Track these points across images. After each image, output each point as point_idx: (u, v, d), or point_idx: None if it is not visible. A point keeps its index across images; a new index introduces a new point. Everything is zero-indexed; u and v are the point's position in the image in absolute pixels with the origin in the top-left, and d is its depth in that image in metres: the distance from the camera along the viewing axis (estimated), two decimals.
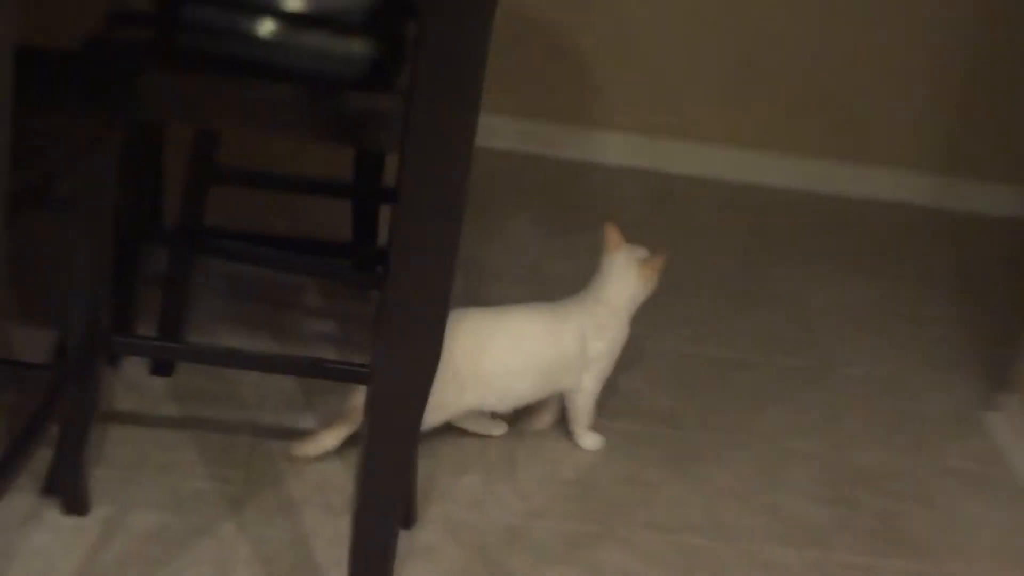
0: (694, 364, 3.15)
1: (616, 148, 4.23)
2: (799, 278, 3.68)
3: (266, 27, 2.46)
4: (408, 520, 2.45)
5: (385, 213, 3.13)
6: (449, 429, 2.73)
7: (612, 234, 2.73)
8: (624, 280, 2.72)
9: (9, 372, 2.51)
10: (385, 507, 2.01)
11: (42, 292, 2.88)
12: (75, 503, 2.35)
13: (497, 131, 4.17)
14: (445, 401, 2.55)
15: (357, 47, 2.44)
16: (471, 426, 2.71)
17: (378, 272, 2.99)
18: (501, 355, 2.63)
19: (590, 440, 2.79)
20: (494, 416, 2.72)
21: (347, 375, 2.41)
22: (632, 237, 2.70)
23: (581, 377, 2.72)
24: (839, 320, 3.49)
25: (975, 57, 4.20)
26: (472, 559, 2.41)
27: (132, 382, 2.73)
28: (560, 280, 3.22)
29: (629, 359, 3.08)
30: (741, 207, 4.06)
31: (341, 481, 2.54)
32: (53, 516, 2.33)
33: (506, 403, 2.67)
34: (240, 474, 2.52)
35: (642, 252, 2.74)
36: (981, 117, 4.27)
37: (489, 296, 3.27)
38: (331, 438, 2.56)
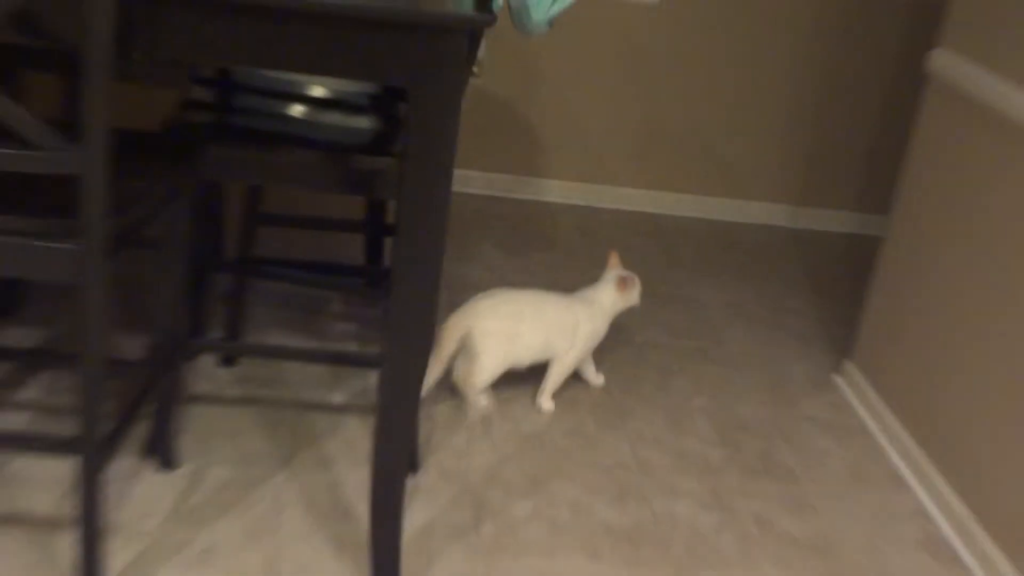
0: (619, 347, 3.16)
1: (557, 191, 4.24)
2: (694, 282, 3.70)
3: (296, 109, 2.47)
4: (413, 467, 2.46)
5: (388, 243, 3.14)
6: (440, 400, 2.74)
7: (613, 259, 2.84)
8: (610, 291, 2.77)
9: (116, 368, 2.50)
10: (395, 458, 2.02)
11: (138, 308, 2.88)
12: (167, 462, 2.36)
13: (469, 180, 4.17)
14: (497, 363, 2.66)
15: (364, 123, 2.45)
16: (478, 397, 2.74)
17: (383, 287, 2.99)
18: (531, 324, 2.70)
19: (548, 404, 2.80)
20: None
21: (365, 362, 2.42)
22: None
23: (567, 351, 2.75)
24: (725, 312, 3.51)
25: (819, 117, 4.22)
26: (460, 495, 2.42)
27: (205, 372, 2.73)
28: (518, 286, 3.22)
29: None
30: (650, 232, 4.07)
31: (362, 440, 2.55)
32: (151, 472, 2.34)
33: (525, 363, 2.73)
34: (288, 438, 2.53)
35: (627, 273, 2.81)
36: (824, 161, 4.30)
37: (466, 303, 3.27)
38: (476, 398, 2.68)
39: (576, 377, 2.94)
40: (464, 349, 2.66)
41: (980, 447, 2.47)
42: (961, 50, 2.69)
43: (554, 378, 2.79)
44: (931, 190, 2.78)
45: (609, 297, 2.81)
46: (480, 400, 2.72)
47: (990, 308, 2.48)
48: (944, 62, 2.74)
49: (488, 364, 2.67)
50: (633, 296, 2.84)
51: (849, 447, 2.83)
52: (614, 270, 2.85)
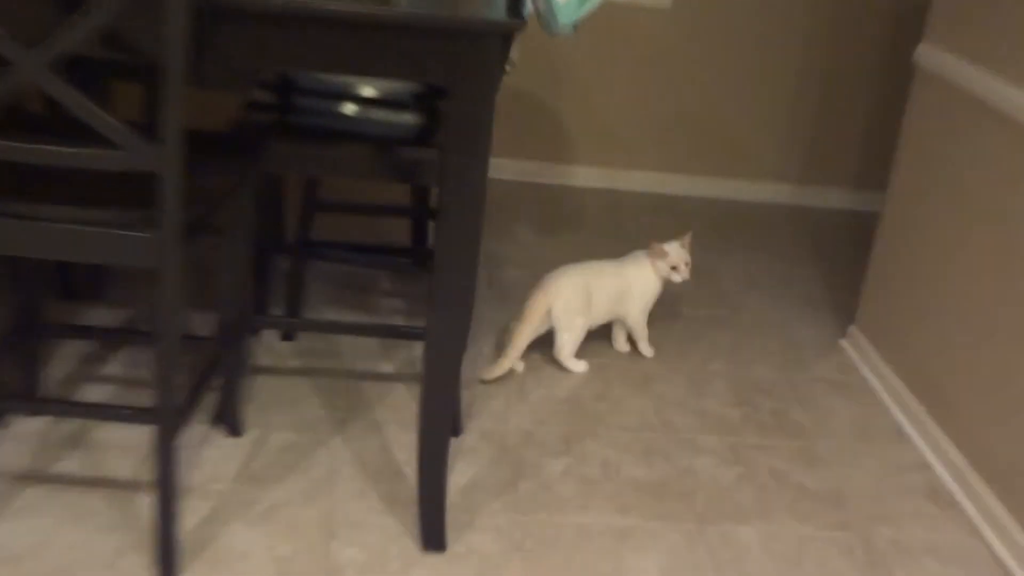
0: None
1: (582, 176, 4.22)
2: (710, 257, 3.68)
3: (349, 108, 2.46)
4: (456, 430, 2.46)
5: (431, 226, 3.14)
6: (481, 368, 2.74)
7: (683, 238, 2.88)
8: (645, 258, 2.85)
9: (188, 344, 2.52)
10: (440, 422, 2.02)
11: (208, 289, 2.89)
12: (234, 428, 2.37)
13: (502, 167, 4.17)
14: (578, 333, 2.77)
15: (408, 118, 2.44)
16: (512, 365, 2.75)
17: (428, 266, 2.99)
18: (603, 290, 2.77)
19: (648, 351, 2.93)
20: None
21: (411, 335, 2.42)
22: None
23: (630, 309, 2.81)
24: (739, 283, 3.49)
25: (819, 104, 4.19)
26: (500, 454, 2.42)
27: (268, 346, 2.75)
28: (550, 262, 3.21)
29: None
30: (669, 212, 4.06)
31: (409, 407, 2.55)
32: (219, 438, 2.35)
33: (599, 323, 2.83)
34: (343, 404, 2.53)
35: (671, 246, 2.85)
36: (825, 144, 4.26)
37: (504, 278, 3.28)
38: (511, 360, 2.70)
39: (606, 344, 2.93)
40: (548, 323, 2.75)
41: (974, 401, 2.45)
42: (944, 44, 2.67)
43: (636, 330, 2.89)
44: (921, 169, 2.76)
45: (657, 261, 2.82)
46: (577, 366, 2.81)
47: (977, 273, 2.46)
48: (929, 54, 2.72)
49: (571, 336, 2.76)
50: (679, 267, 2.82)
51: (856, 405, 2.81)
52: (668, 244, 2.84)
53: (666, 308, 3.21)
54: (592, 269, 2.79)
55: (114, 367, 2.55)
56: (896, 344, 2.84)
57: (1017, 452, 2.28)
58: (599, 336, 2.96)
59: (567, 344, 2.77)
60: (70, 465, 2.20)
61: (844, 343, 3.13)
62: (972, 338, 2.48)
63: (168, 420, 1.84)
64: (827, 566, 2.19)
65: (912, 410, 2.70)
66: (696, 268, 3.54)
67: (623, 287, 2.81)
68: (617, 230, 3.77)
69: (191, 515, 2.10)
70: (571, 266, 2.78)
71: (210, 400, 2.43)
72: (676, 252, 2.82)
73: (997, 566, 2.25)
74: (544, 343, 2.78)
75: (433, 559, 2.07)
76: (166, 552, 1.92)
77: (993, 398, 2.38)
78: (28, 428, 2.30)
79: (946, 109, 2.67)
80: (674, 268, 2.81)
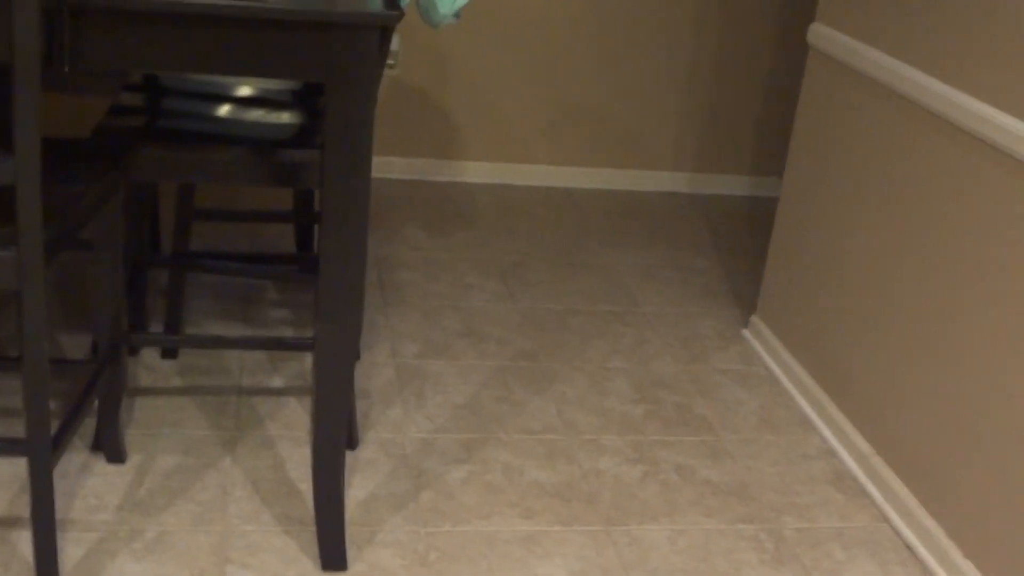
0: (541, 315, 3.15)
1: (473, 172, 4.21)
2: (607, 251, 3.70)
3: (223, 109, 2.41)
4: (352, 443, 2.43)
5: (317, 231, 3.10)
6: (375, 376, 2.71)
7: None
8: None
9: (60, 367, 2.45)
10: (334, 436, 1.99)
11: (78, 308, 2.81)
12: (115, 454, 2.30)
13: (390, 166, 4.13)
14: None
15: (287, 118, 2.41)
16: None
17: (315, 272, 2.95)
18: None
19: None
20: None
21: (300, 346, 2.39)
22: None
23: None
24: (637, 277, 3.51)
25: (711, 89, 4.24)
26: (399, 466, 2.40)
27: (148, 365, 2.68)
28: (442, 264, 3.21)
29: (495, 314, 3.08)
30: (562, 206, 4.07)
31: (302, 421, 2.52)
32: (100, 465, 2.28)
33: None
34: (231, 423, 2.48)
35: None
36: (718, 130, 4.32)
37: (395, 281, 3.25)
38: None
39: (502, 345, 2.92)
40: None
41: (876, 387, 2.50)
42: (836, 23, 2.73)
43: None
44: (817, 152, 2.81)
45: None
46: None
47: (876, 255, 2.51)
48: (821, 34, 2.77)
49: None
50: None
51: (759, 396, 2.85)
52: None
53: (565, 304, 3.22)
54: None
55: None
56: (798, 332, 2.89)
57: (920, 436, 2.33)
58: (496, 338, 2.95)
59: None
60: None
61: (746, 333, 3.17)
62: (873, 323, 2.53)
63: (41, 450, 1.78)
64: (736, 560, 2.21)
65: (816, 398, 2.75)
66: (594, 263, 3.56)
67: None
68: (511, 227, 3.77)
69: (74, 549, 2.03)
70: None
71: (88, 425, 2.36)
72: None
73: (905, 550, 2.30)
74: (441, 345, 2.76)
75: None
76: None
77: (895, 383, 2.43)
78: None
79: (840, 89, 2.72)
80: None
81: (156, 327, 2.78)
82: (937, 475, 2.28)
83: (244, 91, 2.51)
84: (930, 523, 2.27)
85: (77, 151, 2.08)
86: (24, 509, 2.12)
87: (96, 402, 2.26)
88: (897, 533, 2.35)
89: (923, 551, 2.28)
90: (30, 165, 1.62)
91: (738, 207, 4.27)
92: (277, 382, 2.66)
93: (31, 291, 1.69)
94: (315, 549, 2.10)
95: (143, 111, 2.38)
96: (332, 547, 2.06)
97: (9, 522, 2.08)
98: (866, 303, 2.56)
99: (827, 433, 2.68)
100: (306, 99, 2.53)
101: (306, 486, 2.28)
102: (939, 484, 2.28)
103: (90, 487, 2.21)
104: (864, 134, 2.60)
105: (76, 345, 2.68)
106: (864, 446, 2.53)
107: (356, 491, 2.29)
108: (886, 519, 2.40)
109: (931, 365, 2.32)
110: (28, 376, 1.73)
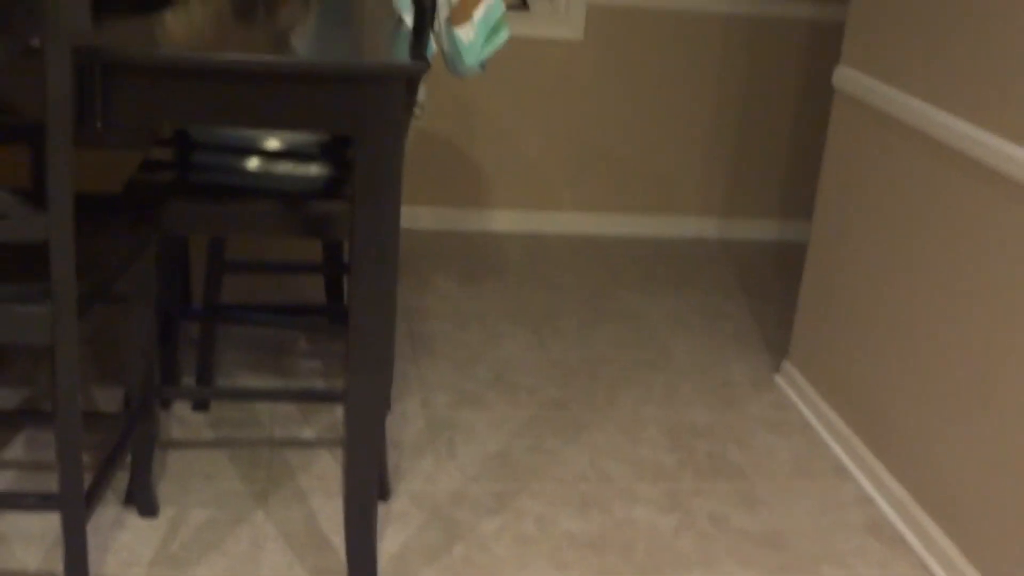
0: (571, 363, 3.14)
1: (502, 220, 4.22)
2: (636, 297, 3.69)
3: (252, 162, 2.43)
4: (384, 495, 2.42)
5: (347, 282, 3.10)
6: (407, 426, 2.70)
7: None
8: None
9: (92, 420, 2.45)
10: (365, 488, 1.99)
11: (110, 361, 2.82)
12: (147, 508, 2.30)
13: (418, 216, 4.15)
14: None
15: (316, 170, 2.42)
16: None
17: (344, 323, 2.96)
18: None
19: None
20: None
21: (331, 397, 2.39)
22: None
23: None
24: (666, 323, 3.50)
25: (738, 133, 4.24)
26: (431, 518, 2.39)
27: (180, 417, 2.68)
28: (472, 314, 3.21)
29: (525, 363, 3.08)
30: (590, 253, 4.07)
31: (334, 473, 2.51)
32: (133, 519, 2.28)
33: None
34: (263, 475, 2.48)
35: None
36: (745, 174, 4.32)
37: (425, 331, 3.25)
38: None
39: (533, 394, 2.91)
40: None
41: (913, 433, 2.47)
42: (861, 66, 2.73)
43: None
44: (846, 194, 2.80)
45: None
46: None
47: (909, 298, 2.49)
48: (847, 77, 2.77)
49: None
50: None
51: (793, 442, 2.82)
52: None
53: (596, 352, 3.20)
54: None
55: (14, 451, 2.47)
56: (831, 378, 2.86)
57: (960, 482, 2.30)
58: (527, 388, 2.94)
59: None
60: None
61: (778, 379, 3.15)
62: (909, 367, 2.51)
63: (74, 506, 1.78)
64: None
65: (851, 444, 2.72)
66: (624, 310, 3.55)
67: None
68: (540, 275, 3.77)
69: None
70: None
71: (121, 479, 2.36)
72: None
73: None
74: (472, 395, 2.75)
75: None
76: None
77: (933, 428, 2.40)
78: None
79: (866, 132, 2.72)
80: None
81: (187, 379, 2.79)
82: (978, 522, 2.25)
83: (273, 144, 2.53)
84: (971, 572, 2.23)
85: (109, 206, 2.10)
86: (57, 564, 2.12)
87: (128, 455, 2.26)
88: None
89: None
90: (63, 221, 1.63)
91: (766, 251, 4.25)
92: (308, 433, 2.65)
93: (64, 346, 1.70)
94: None
95: (173, 165, 2.40)
96: None
97: None
98: (901, 347, 2.54)
99: (863, 480, 2.65)
100: (334, 151, 2.54)
101: (338, 538, 2.27)
102: (980, 531, 2.24)
103: (123, 541, 2.20)
104: (893, 176, 2.59)
105: (108, 398, 2.68)
106: (902, 493, 2.50)
107: (388, 543, 2.27)
108: (925, 567, 2.36)
109: (971, 410, 2.29)
110: (61, 431, 1.74)
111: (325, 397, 2.54)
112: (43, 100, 1.57)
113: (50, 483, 2.34)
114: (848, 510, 2.54)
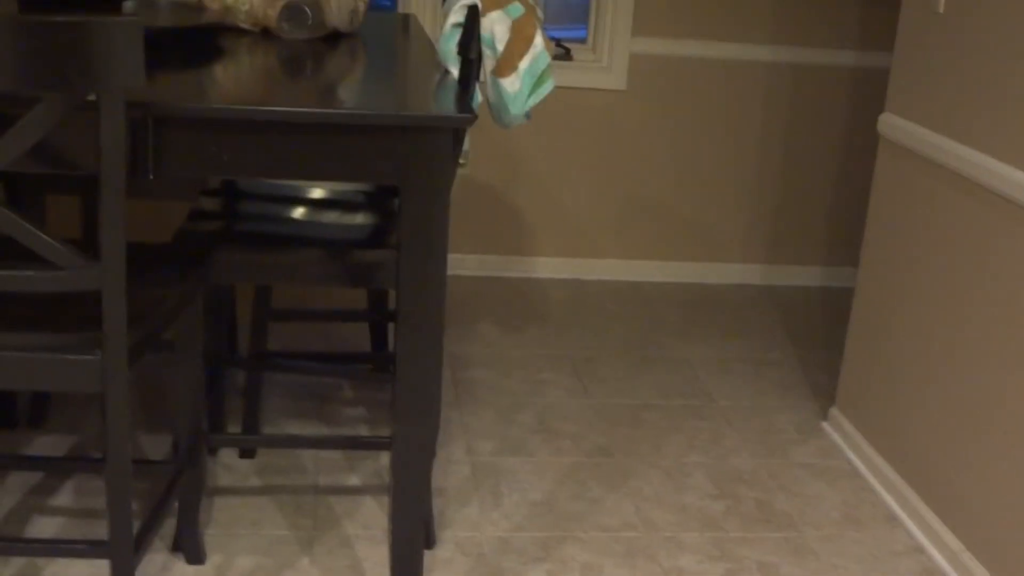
0: (615, 410, 3.13)
1: (545, 267, 4.23)
2: (679, 344, 3.68)
3: (298, 211, 2.46)
4: (429, 542, 2.42)
5: (391, 329, 3.12)
6: (451, 473, 2.70)
7: None
8: None
9: (141, 467, 2.47)
10: (411, 535, 1.99)
11: (158, 408, 2.85)
12: (195, 555, 2.31)
13: (463, 263, 4.17)
14: None
15: (361, 219, 2.45)
16: None
17: (390, 371, 2.97)
18: None
19: None
20: None
21: (376, 445, 2.40)
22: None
23: None
24: (711, 370, 3.48)
25: (782, 180, 4.24)
26: (477, 565, 2.38)
27: (227, 465, 2.70)
28: (515, 361, 3.21)
29: (569, 410, 3.07)
30: (633, 300, 4.07)
31: (380, 520, 2.51)
32: (180, 566, 2.29)
33: None
34: (309, 522, 2.49)
35: None
36: (789, 221, 4.31)
37: (470, 379, 3.25)
38: None
39: (577, 441, 2.90)
40: None
41: (965, 481, 2.44)
42: (906, 113, 2.73)
43: None
44: (893, 241, 2.78)
45: None
46: None
47: (957, 345, 2.47)
48: (892, 124, 2.77)
49: None
50: None
51: (842, 490, 2.79)
52: None
53: (640, 399, 3.19)
54: None
55: (64, 498, 2.49)
56: (880, 424, 2.84)
57: (1013, 531, 2.26)
58: (571, 435, 2.93)
59: None
60: None
61: (826, 426, 3.12)
62: (960, 414, 2.48)
63: (123, 553, 1.79)
64: None
65: (901, 493, 2.69)
66: (668, 357, 3.54)
67: None
68: (583, 322, 3.77)
69: None
70: None
71: (168, 526, 2.37)
72: None
73: None
74: (516, 442, 2.75)
75: None
76: None
77: (986, 476, 2.37)
78: None
79: (912, 178, 2.71)
80: None
81: (234, 427, 2.81)
82: None
83: (318, 193, 2.56)
84: None
85: (159, 255, 2.13)
86: None
87: (176, 502, 2.27)
88: None
89: None
90: (115, 271, 1.66)
91: (811, 298, 4.23)
92: (354, 480, 2.66)
93: (115, 394, 1.72)
94: None
95: (221, 215, 2.43)
96: None
97: None
98: (950, 394, 2.51)
99: (914, 529, 2.62)
100: (379, 199, 2.57)
101: None
102: None
103: None
104: (939, 222, 2.58)
105: (156, 445, 2.71)
106: (954, 542, 2.46)
107: None
108: None
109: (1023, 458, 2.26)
110: (111, 479, 1.76)
111: (370, 444, 2.55)
112: (97, 152, 1.60)
113: (98, 530, 2.36)
114: (899, 560, 2.51)
